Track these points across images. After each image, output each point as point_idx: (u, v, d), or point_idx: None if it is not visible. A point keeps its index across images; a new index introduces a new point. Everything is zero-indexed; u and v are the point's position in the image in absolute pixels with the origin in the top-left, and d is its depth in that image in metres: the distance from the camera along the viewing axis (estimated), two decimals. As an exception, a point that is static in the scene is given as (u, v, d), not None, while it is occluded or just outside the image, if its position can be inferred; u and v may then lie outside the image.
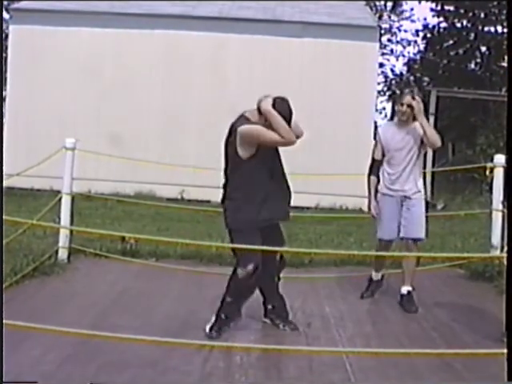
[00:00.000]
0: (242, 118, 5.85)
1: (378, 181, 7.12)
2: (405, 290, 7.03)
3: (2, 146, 5.06)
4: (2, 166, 4.67)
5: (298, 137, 5.86)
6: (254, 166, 5.79)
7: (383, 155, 7.06)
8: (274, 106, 5.74)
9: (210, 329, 5.85)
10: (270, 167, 5.90)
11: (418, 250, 7.15)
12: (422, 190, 7.05)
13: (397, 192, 6.98)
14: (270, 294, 6.21)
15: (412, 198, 6.97)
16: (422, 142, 6.91)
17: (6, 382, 3.52)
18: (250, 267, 5.72)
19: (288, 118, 5.75)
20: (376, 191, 7.14)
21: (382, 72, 30.47)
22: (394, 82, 31.20)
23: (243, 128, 5.71)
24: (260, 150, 5.76)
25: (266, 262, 5.86)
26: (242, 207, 5.85)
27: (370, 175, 7.23)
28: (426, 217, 7.09)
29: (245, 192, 5.85)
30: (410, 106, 6.78)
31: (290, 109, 5.83)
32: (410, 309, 6.91)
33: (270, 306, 6.23)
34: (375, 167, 7.16)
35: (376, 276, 7.42)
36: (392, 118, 30.13)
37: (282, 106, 5.79)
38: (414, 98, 6.79)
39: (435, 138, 6.83)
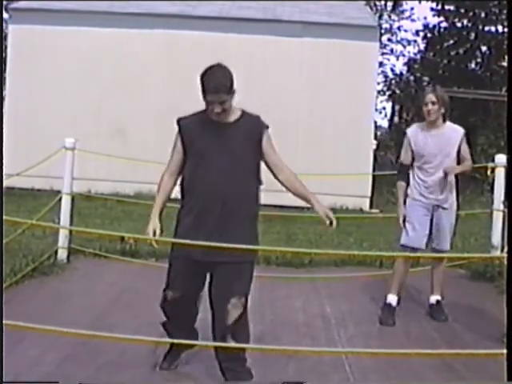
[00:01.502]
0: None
1: (407, 186, 6.78)
2: (434, 299, 6.89)
3: (2, 147, 5.03)
4: (1, 166, 4.65)
5: None
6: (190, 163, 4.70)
7: (413, 160, 6.76)
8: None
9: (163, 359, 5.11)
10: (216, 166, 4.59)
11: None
12: (456, 201, 6.81)
13: (430, 200, 6.66)
14: (220, 358, 4.74)
15: (447, 207, 6.70)
16: (459, 150, 6.67)
17: (6, 382, 3.51)
18: (169, 294, 4.88)
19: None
20: (405, 196, 6.77)
21: (382, 72, 30.51)
22: (393, 81, 31.21)
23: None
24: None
25: (213, 314, 4.75)
26: (179, 220, 4.81)
27: (398, 180, 6.87)
28: (454, 227, 6.86)
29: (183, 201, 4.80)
30: (433, 102, 6.52)
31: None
32: (439, 318, 6.74)
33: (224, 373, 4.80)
34: (403, 172, 6.83)
35: (392, 300, 6.75)
36: (392, 118, 30.16)
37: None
38: (437, 96, 6.55)
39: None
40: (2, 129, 5.20)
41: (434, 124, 6.64)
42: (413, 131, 6.83)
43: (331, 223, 4.62)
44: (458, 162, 6.71)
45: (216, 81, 4.44)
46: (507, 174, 5.64)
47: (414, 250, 6.68)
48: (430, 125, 6.66)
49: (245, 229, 4.64)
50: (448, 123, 6.73)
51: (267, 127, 4.68)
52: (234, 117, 4.63)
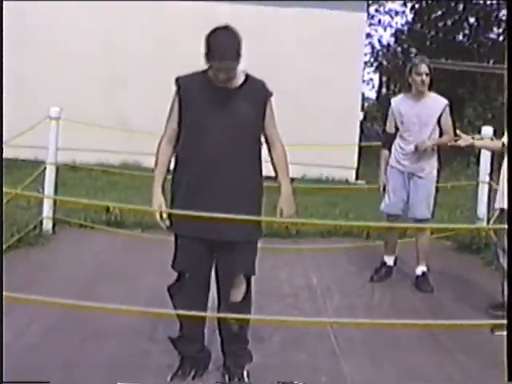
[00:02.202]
0: None
1: (390, 154, 6.91)
2: (420, 270, 6.92)
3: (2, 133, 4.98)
4: (2, 156, 4.58)
5: None
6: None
7: (396, 129, 6.86)
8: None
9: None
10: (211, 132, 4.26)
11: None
12: (435, 170, 6.83)
13: (406, 168, 6.78)
14: (225, 337, 4.56)
15: (422, 176, 6.77)
16: (439, 119, 6.73)
17: (5, 382, 3.49)
18: (181, 275, 4.42)
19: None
20: (387, 165, 6.91)
21: (369, 43, 30.31)
22: (381, 53, 31.09)
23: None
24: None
25: (219, 293, 4.49)
26: (174, 193, 4.46)
27: (382, 149, 7.04)
28: (435, 197, 6.87)
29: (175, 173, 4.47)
30: (427, 74, 6.61)
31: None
32: (425, 289, 6.78)
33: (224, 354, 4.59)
34: (387, 141, 6.95)
35: (389, 260, 7.09)
36: (380, 89, 30.10)
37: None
38: (429, 67, 6.65)
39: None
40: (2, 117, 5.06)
41: (421, 94, 6.73)
42: (397, 100, 7.01)
43: (281, 214, 4.42)
44: (441, 133, 6.76)
45: (224, 47, 4.09)
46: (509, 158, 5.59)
47: (393, 217, 6.90)
48: (418, 94, 6.75)
49: (247, 205, 4.31)
50: (433, 94, 6.84)
51: (271, 95, 4.37)
52: (237, 81, 4.27)
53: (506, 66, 5.01)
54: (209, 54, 4.11)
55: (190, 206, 4.18)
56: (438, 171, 6.86)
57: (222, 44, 4.11)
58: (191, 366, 4.50)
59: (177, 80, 4.34)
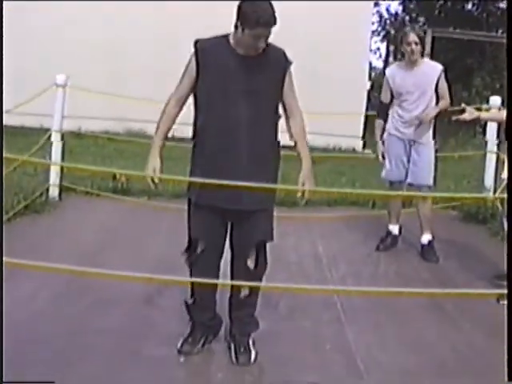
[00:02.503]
0: None
1: (385, 123, 6.92)
2: (425, 239, 6.93)
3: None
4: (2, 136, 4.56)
5: None
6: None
7: (392, 98, 6.86)
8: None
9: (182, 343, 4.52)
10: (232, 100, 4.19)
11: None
12: (431, 136, 6.83)
13: (406, 135, 6.79)
14: (233, 304, 4.55)
15: (423, 143, 6.78)
16: (436, 86, 6.72)
17: (5, 382, 3.50)
18: (196, 244, 4.39)
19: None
20: (383, 133, 6.93)
21: (377, 11, 30.07)
22: (388, 21, 30.85)
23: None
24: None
25: (234, 261, 4.48)
26: (193, 162, 4.48)
27: (377, 118, 7.07)
28: (435, 164, 6.88)
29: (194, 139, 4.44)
30: (416, 43, 6.59)
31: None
32: (430, 259, 6.80)
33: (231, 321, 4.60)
34: (382, 111, 6.98)
35: (393, 229, 7.12)
36: (387, 59, 29.91)
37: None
38: (418, 35, 6.64)
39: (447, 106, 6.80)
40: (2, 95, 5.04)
41: (414, 63, 6.73)
42: (392, 70, 7.04)
43: (303, 194, 4.35)
44: (437, 100, 6.77)
45: (267, 12, 4.00)
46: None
47: (396, 184, 6.93)
48: (411, 63, 6.76)
49: (266, 173, 4.27)
50: (426, 60, 6.96)
51: (291, 64, 4.29)
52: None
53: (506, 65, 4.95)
54: (247, 22, 3.99)
55: (210, 174, 4.10)
56: (434, 137, 6.88)
57: (264, 9, 4.03)
58: (202, 333, 4.52)
59: (195, 43, 4.21)
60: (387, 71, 7.10)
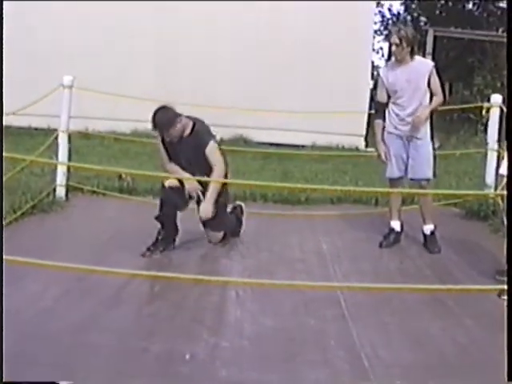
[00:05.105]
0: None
1: (384, 123, 7.00)
2: (428, 229, 7.07)
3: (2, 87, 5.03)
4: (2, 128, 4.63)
5: None
6: None
7: (388, 97, 6.95)
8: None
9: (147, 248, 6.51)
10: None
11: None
12: (429, 131, 6.92)
13: (404, 132, 6.88)
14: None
15: (421, 138, 6.87)
16: (429, 81, 6.80)
17: (6, 382, 3.54)
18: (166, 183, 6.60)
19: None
20: (383, 133, 7.01)
21: (380, 11, 30.08)
22: (390, 21, 30.87)
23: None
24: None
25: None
26: None
27: (375, 119, 7.16)
28: (434, 157, 6.97)
29: None
30: (397, 45, 6.68)
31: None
32: (433, 249, 6.94)
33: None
34: (380, 111, 7.06)
35: (395, 225, 7.20)
36: (389, 58, 29.95)
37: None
38: (402, 37, 6.66)
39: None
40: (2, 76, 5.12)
41: (401, 62, 6.83)
42: (384, 70, 7.17)
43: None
44: (431, 96, 6.86)
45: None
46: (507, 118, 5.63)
47: (397, 180, 7.05)
48: (399, 62, 6.86)
49: None
50: (417, 57, 6.96)
51: (212, 140, 6.59)
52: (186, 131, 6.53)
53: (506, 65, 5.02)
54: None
55: None
56: (432, 133, 6.97)
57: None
58: (162, 244, 6.52)
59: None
60: (381, 71, 7.22)
